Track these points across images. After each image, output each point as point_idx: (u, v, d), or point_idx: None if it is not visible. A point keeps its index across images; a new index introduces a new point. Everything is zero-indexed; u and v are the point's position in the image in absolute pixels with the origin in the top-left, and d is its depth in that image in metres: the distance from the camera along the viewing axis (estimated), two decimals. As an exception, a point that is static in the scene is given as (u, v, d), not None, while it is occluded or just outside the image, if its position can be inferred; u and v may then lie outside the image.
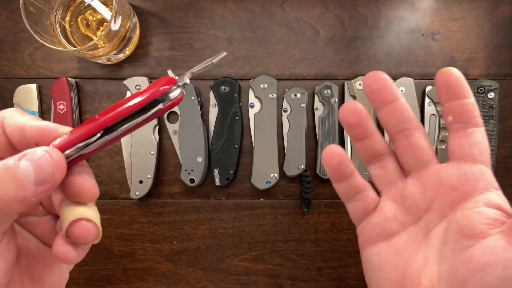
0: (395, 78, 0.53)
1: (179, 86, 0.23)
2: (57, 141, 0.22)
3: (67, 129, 0.23)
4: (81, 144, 0.22)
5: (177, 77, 0.23)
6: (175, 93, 0.23)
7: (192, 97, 0.52)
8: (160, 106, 0.22)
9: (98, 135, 0.22)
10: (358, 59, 0.54)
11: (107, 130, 0.22)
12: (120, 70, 0.54)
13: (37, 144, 0.22)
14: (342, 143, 0.54)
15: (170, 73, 0.23)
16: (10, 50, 0.54)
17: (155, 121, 0.53)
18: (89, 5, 0.51)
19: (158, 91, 0.22)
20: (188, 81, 0.23)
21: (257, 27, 0.54)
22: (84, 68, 0.54)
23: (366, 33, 0.54)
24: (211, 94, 0.53)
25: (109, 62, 0.53)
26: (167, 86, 0.22)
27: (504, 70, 0.54)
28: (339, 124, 0.53)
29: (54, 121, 0.52)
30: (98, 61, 0.53)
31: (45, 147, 0.21)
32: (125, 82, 0.52)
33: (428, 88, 0.53)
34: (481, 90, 0.53)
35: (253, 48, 0.54)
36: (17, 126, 0.23)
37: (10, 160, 0.20)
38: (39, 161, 0.20)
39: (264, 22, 0.54)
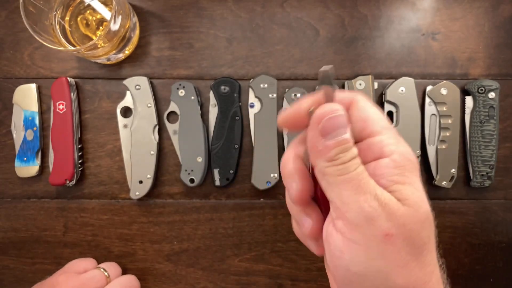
0: (395, 77, 0.53)
1: None
2: None
3: None
4: None
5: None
6: None
7: (192, 97, 0.52)
8: None
9: None
10: (358, 59, 0.54)
11: None
12: (119, 70, 0.54)
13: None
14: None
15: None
16: (9, 50, 0.54)
17: (155, 121, 0.52)
18: (89, 5, 0.50)
19: None
20: None
21: (257, 26, 0.54)
22: (83, 68, 0.54)
23: (367, 32, 0.54)
24: (211, 94, 0.53)
25: (108, 62, 0.53)
26: None
27: (505, 70, 0.54)
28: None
29: (53, 121, 0.52)
30: (98, 61, 0.53)
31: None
32: (124, 82, 0.52)
33: (429, 88, 0.53)
34: (481, 90, 0.52)
35: (253, 48, 0.54)
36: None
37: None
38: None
39: (264, 21, 0.54)
